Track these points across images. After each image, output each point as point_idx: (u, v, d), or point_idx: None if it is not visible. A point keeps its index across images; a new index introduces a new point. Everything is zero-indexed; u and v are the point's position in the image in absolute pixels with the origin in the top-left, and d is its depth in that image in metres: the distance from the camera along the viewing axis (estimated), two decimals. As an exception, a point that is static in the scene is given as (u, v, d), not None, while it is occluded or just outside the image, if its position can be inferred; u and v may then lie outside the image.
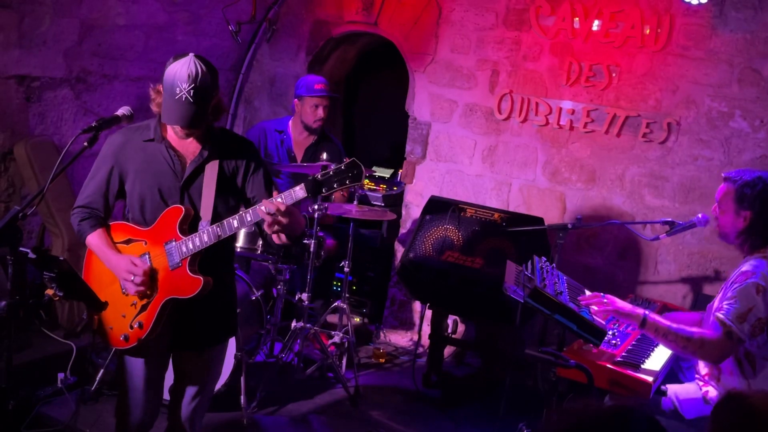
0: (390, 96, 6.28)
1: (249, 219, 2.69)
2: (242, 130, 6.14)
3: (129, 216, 2.93)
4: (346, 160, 2.63)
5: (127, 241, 2.87)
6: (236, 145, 2.93)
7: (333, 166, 2.63)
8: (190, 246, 2.75)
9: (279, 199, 2.62)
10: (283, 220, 2.61)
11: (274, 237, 2.71)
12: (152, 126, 2.84)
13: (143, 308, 2.83)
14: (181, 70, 2.61)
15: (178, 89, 2.60)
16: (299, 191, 2.63)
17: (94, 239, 2.87)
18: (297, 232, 2.76)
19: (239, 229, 2.73)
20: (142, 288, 2.79)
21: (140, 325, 2.83)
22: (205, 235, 2.73)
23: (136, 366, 2.93)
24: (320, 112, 4.94)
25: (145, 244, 2.84)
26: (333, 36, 5.92)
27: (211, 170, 2.82)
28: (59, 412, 3.92)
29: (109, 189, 2.88)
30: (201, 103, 2.65)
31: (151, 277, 2.80)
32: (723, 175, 3.21)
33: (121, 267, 2.80)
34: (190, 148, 2.83)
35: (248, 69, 6.14)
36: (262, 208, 2.60)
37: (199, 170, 2.82)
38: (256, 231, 4.33)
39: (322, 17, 5.90)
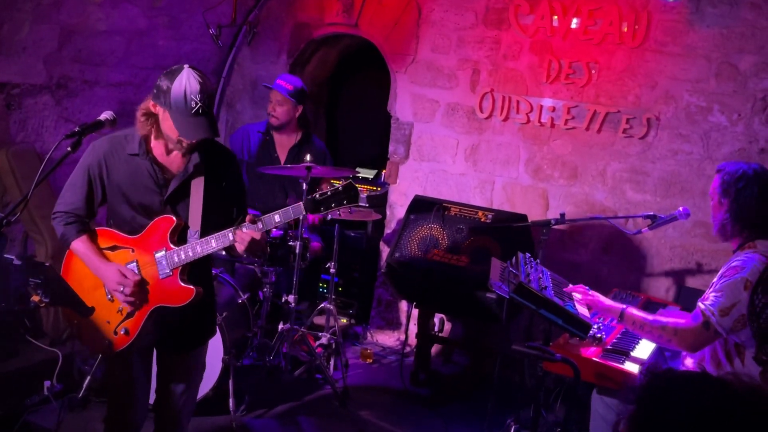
0: (372, 97, 6.30)
1: (231, 238, 2.76)
2: (225, 133, 6.12)
3: (111, 223, 2.91)
4: (344, 182, 2.73)
5: (113, 248, 2.85)
6: (220, 158, 2.95)
7: (331, 188, 2.73)
8: (183, 256, 2.77)
9: (277, 218, 2.73)
10: (255, 247, 2.75)
11: (238, 247, 2.82)
12: (137, 140, 2.79)
13: (129, 315, 2.83)
14: (191, 84, 2.61)
15: (194, 103, 2.60)
16: (298, 209, 2.73)
17: (80, 245, 2.84)
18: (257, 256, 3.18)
19: (228, 245, 2.80)
20: (131, 299, 2.78)
21: (126, 332, 2.83)
22: (198, 247, 2.76)
23: (125, 365, 2.92)
24: (270, 108, 4.96)
25: (133, 251, 2.83)
26: (314, 38, 5.93)
27: (198, 185, 2.83)
28: (46, 420, 3.89)
29: (93, 195, 2.85)
30: (212, 111, 2.70)
31: (140, 287, 2.80)
32: (717, 167, 3.24)
33: (110, 277, 2.79)
34: (175, 163, 2.83)
35: (230, 72, 6.13)
36: (242, 230, 2.73)
37: (184, 185, 2.82)
38: None
39: (302, 20, 5.90)
